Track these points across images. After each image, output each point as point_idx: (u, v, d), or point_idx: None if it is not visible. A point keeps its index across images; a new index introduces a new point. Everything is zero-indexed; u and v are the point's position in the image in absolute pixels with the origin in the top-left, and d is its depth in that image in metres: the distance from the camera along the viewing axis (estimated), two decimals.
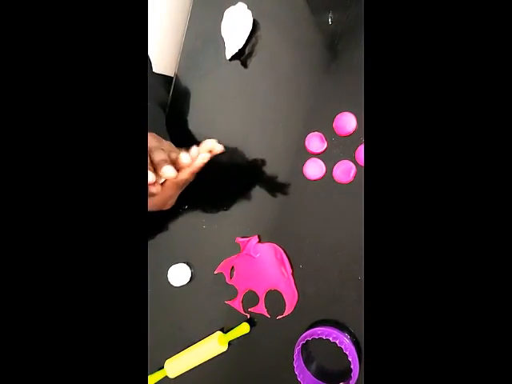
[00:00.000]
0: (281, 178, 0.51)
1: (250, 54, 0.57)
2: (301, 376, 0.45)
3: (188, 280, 0.55)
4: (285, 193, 0.51)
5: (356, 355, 0.43)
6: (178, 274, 0.54)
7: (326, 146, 0.48)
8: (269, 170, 0.52)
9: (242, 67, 0.57)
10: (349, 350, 0.43)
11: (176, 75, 0.61)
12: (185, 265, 0.55)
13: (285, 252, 0.50)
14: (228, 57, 0.56)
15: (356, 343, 0.45)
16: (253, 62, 0.57)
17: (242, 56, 0.57)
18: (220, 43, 0.57)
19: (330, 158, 0.48)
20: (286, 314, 0.49)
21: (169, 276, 0.55)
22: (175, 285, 0.54)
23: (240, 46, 0.54)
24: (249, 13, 0.54)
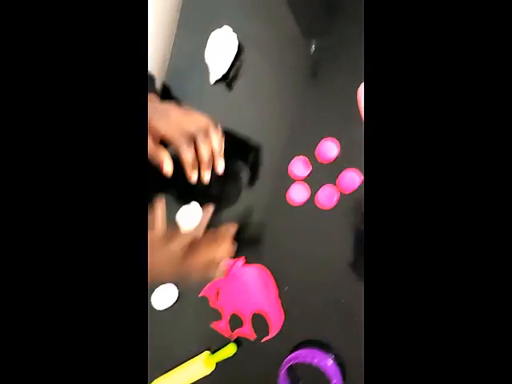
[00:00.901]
0: (264, 201, 0.52)
1: (235, 77, 0.58)
2: None
3: (174, 301, 0.55)
4: (269, 216, 0.51)
5: (340, 378, 0.44)
6: (164, 296, 0.55)
7: (310, 170, 0.49)
8: (252, 192, 0.53)
9: (225, 91, 0.58)
10: (332, 373, 0.44)
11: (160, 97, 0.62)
12: (172, 285, 0.55)
13: (270, 273, 0.51)
14: (212, 82, 0.56)
15: (341, 365, 0.46)
16: (237, 86, 0.58)
17: (226, 79, 0.58)
18: (204, 66, 0.58)
19: (313, 183, 0.49)
20: (270, 336, 0.49)
21: (153, 297, 0.55)
22: (159, 308, 0.54)
23: (224, 72, 0.55)
24: (234, 36, 0.55)
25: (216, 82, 0.56)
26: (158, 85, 0.60)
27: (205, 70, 0.58)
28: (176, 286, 0.55)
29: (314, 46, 0.53)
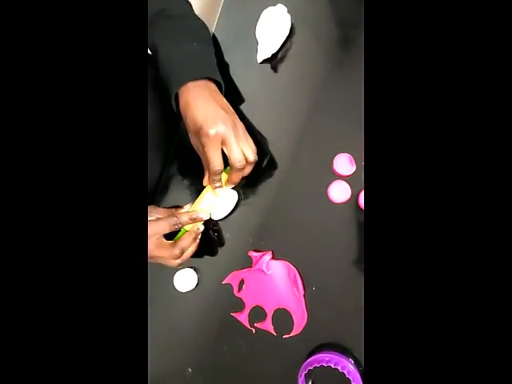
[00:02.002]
0: (303, 197, 0.50)
1: (282, 58, 0.55)
2: None
3: (194, 286, 0.53)
4: (305, 212, 0.49)
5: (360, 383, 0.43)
6: (185, 279, 0.53)
7: (354, 169, 0.47)
8: (290, 186, 0.51)
9: (271, 71, 0.55)
10: (356, 381, 0.42)
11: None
12: (191, 270, 0.53)
13: (298, 272, 0.49)
14: (260, 60, 0.53)
15: (362, 372, 0.45)
16: (284, 68, 0.54)
17: (273, 60, 0.54)
18: (251, 43, 0.55)
19: (356, 183, 0.47)
20: (293, 334, 0.48)
21: (175, 281, 0.53)
22: (181, 290, 0.53)
23: (274, 51, 0.52)
24: (288, 17, 0.51)
25: (263, 61, 0.53)
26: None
27: (251, 46, 0.55)
28: (195, 271, 0.54)
29: None
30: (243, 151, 0.45)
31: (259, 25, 0.53)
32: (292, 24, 0.53)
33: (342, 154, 0.48)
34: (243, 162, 0.45)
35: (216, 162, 0.45)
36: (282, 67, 0.55)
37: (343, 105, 0.50)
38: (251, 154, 0.45)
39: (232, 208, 0.52)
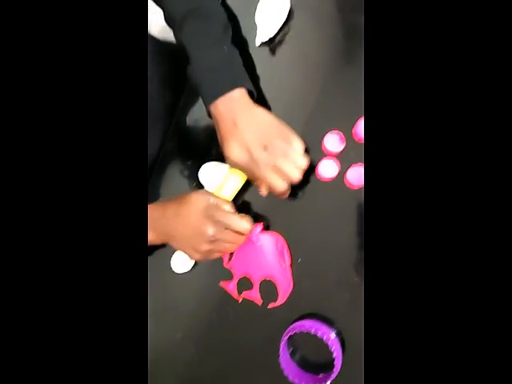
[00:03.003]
0: None
1: (280, 42, 0.57)
2: (284, 364, 0.47)
3: (191, 267, 0.55)
4: (295, 187, 0.51)
5: (340, 352, 0.45)
6: (182, 260, 0.55)
7: (344, 146, 0.49)
8: None
9: (269, 55, 0.57)
10: (334, 347, 0.44)
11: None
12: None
13: (286, 243, 0.51)
14: (258, 44, 0.55)
15: (342, 340, 0.47)
16: (282, 51, 0.57)
17: (271, 43, 0.57)
18: (250, 27, 0.57)
19: (345, 160, 0.49)
20: (278, 303, 0.50)
21: (172, 262, 0.55)
22: (179, 272, 0.55)
23: (272, 35, 0.54)
24: (287, 0, 0.53)
25: (261, 44, 0.55)
26: None
27: (250, 30, 0.57)
28: None
29: None
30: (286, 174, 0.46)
31: (258, 8, 0.55)
32: (291, 8, 0.55)
33: (332, 131, 0.50)
34: (284, 188, 0.46)
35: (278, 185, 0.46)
36: (280, 51, 0.57)
37: (339, 88, 0.52)
38: (295, 173, 0.46)
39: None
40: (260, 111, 0.48)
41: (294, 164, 0.45)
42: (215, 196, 0.48)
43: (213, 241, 0.46)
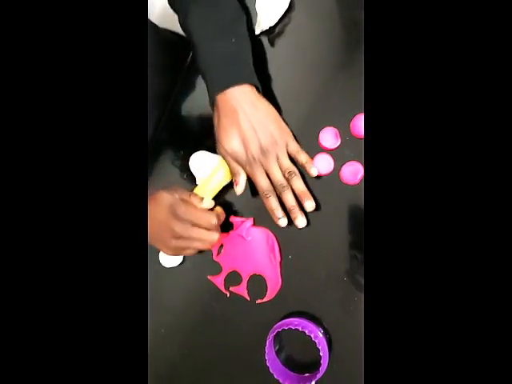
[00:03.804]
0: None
1: (280, 33, 0.55)
2: (269, 362, 0.46)
3: (180, 261, 0.54)
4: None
5: (327, 351, 0.44)
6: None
7: (339, 143, 0.48)
8: None
9: (268, 45, 0.56)
10: (321, 346, 0.44)
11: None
12: None
13: (277, 240, 0.50)
14: (257, 32, 0.54)
15: (329, 340, 0.46)
16: (281, 43, 0.55)
17: (270, 34, 0.55)
18: (249, 14, 0.55)
19: (340, 157, 0.48)
20: (266, 299, 0.49)
21: (160, 256, 0.54)
22: (167, 266, 0.54)
23: (272, 24, 0.53)
24: None
25: (261, 33, 0.54)
26: None
27: (249, 18, 0.55)
28: None
29: None
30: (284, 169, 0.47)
31: None
32: None
33: (327, 127, 0.48)
34: (284, 184, 0.47)
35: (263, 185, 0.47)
36: (279, 41, 0.55)
37: (337, 83, 0.51)
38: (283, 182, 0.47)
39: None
40: (266, 108, 0.48)
41: (285, 172, 0.47)
42: (184, 192, 0.47)
43: (179, 237, 0.45)
